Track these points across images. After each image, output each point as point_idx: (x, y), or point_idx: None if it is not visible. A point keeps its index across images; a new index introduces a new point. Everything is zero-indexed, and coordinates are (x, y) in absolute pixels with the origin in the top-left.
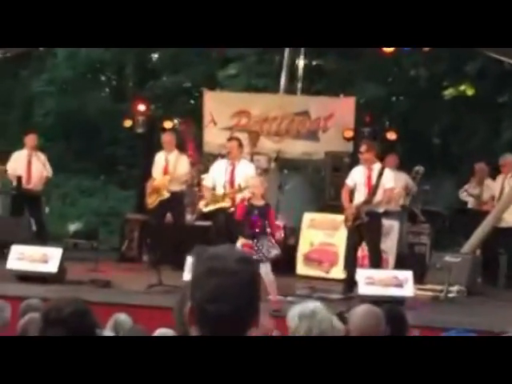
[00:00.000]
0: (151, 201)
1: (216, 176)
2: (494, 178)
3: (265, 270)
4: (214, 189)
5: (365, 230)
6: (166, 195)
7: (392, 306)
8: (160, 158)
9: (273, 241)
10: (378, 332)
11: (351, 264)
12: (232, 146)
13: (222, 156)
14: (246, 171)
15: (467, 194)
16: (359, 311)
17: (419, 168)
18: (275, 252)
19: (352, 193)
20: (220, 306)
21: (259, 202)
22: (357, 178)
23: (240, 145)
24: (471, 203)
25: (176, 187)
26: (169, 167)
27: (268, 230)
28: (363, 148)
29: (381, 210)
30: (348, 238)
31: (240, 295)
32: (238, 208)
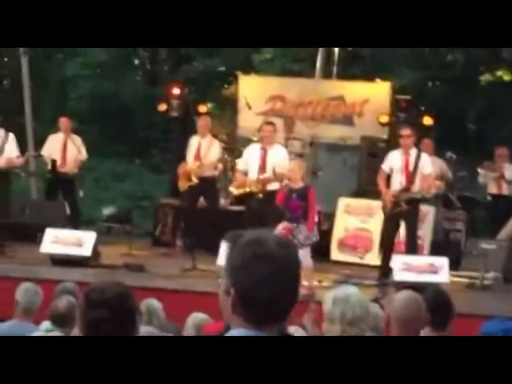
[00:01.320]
0: (181, 185)
1: (249, 161)
2: None
3: (302, 255)
4: (246, 173)
5: (403, 218)
6: (194, 181)
7: (437, 291)
8: (193, 142)
9: (313, 228)
10: (419, 318)
11: (388, 251)
12: (267, 130)
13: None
14: (278, 156)
15: (484, 175)
16: (400, 297)
17: (451, 155)
18: (312, 239)
19: (388, 178)
20: (268, 292)
21: (298, 185)
22: (393, 163)
23: (275, 129)
24: (489, 187)
25: (208, 172)
26: (201, 152)
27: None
28: (406, 132)
29: (419, 196)
30: (385, 225)
31: (285, 280)
32: (279, 193)
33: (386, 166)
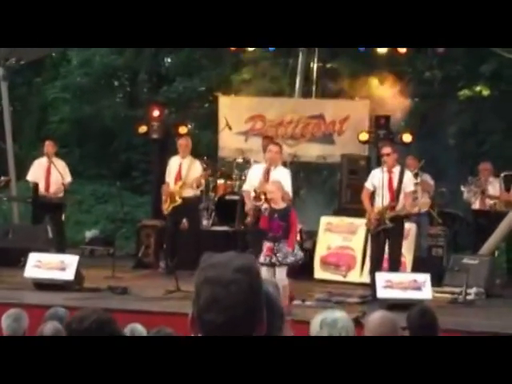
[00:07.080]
0: (166, 206)
1: (254, 181)
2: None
3: (278, 274)
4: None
5: (388, 235)
6: (179, 201)
7: (425, 310)
8: (174, 163)
9: (294, 247)
10: None
11: (378, 270)
12: (274, 150)
13: (238, 162)
14: (280, 177)
15: (468, 191)
16: (375, 317)
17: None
18: (292, 259)
19: (372, 196)
20: (214, 317)
21: (279, 206)
22: (376, 180)
23: (281, 150)
24: (473, 203)
25: (189, 193)
26: (182, 172)
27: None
28: (388, 150)
29: (403, 213)
30: (372, 243)
31: (235, 305)
32: (261, 217)
33: (369, 184)
